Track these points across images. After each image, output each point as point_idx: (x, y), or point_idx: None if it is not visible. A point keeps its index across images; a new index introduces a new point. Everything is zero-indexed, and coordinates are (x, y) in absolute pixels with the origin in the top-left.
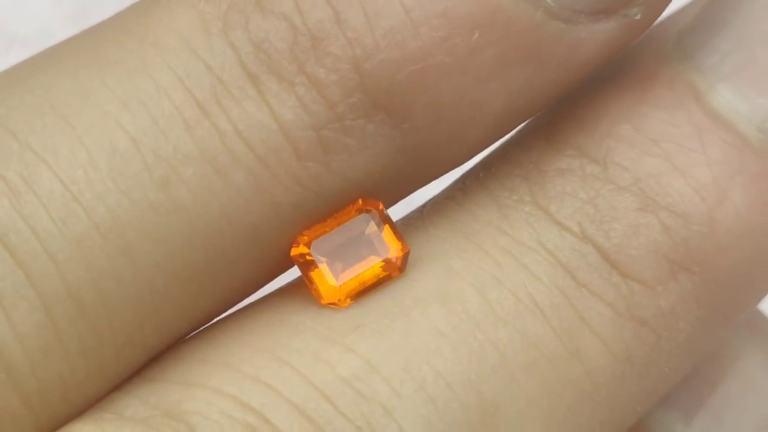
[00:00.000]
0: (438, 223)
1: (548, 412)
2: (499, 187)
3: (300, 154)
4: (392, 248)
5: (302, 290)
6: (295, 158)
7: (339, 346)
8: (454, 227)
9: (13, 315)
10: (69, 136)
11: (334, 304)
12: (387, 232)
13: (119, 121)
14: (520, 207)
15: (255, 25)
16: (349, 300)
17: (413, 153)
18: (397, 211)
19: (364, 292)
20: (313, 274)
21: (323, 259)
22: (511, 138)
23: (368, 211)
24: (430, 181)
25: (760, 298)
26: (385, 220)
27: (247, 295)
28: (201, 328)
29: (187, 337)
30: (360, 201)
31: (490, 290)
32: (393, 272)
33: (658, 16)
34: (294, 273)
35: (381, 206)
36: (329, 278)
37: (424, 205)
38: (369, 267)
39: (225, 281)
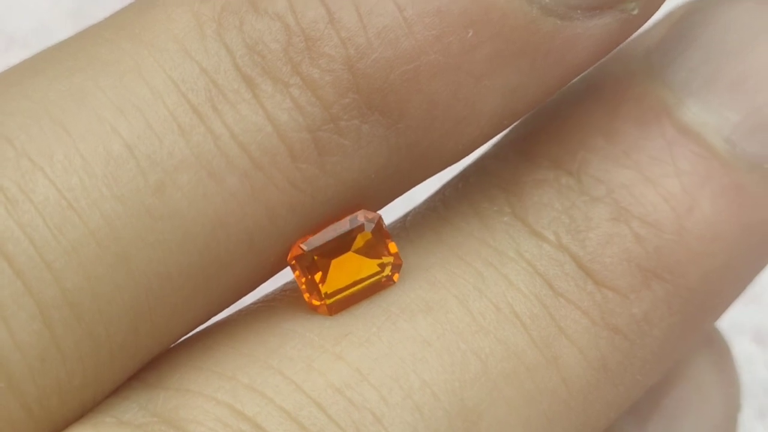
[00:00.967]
0: (422, 234)
1: (528, 419)
2: (479, 198)
3: (295, 156)
4: (386, 260)
5: (294, 296)
6: (290, 160)
7: (329, 354)
8: (439, 239)
9: (12, 325)
10: (64, 142)
11: (325, 308)
12: (383, 243)
13: (114, 126)
14: (499, 217)
15: (249, 26)
16: (339, 307)
17: (408, 152)
18: (398, 208)
19: (355, 300)
20: (307, 280)
21: (318, 266)
22: (488, 151)
23: (366, 221)
24: (425, 179)
25: (729, 304)
26: (382, 231)
27: (242, 296)
28: (197, 330)
29: (184, 341)
30: (359, 212)
31: (473, 301)
32: (386, 283)
33: (656, 10)
34: (288, 274)
35: (380, 218)
36: (323, 285)
37: (406, 216)
38: (362, 276)
39: (220, 284)
